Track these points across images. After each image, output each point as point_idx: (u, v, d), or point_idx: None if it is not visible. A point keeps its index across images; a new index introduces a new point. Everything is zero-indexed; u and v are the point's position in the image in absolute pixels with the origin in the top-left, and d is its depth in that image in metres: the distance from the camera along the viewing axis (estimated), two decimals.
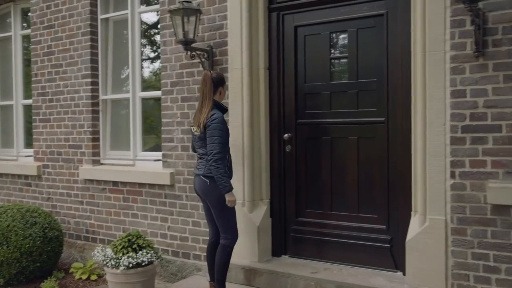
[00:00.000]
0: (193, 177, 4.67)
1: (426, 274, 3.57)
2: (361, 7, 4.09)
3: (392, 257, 3.99)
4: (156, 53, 5.52)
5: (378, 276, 3.90)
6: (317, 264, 4.25)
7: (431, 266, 3.55)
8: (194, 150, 4.00)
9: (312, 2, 4.29)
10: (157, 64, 5.47)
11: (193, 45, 4.36)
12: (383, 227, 4.05)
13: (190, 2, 4.24)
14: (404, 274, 3.84)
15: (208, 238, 4.04)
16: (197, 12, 4.25)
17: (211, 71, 3.87)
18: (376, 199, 4.09)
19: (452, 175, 3.51)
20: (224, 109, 3.81)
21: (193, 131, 3.82)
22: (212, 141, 3.59)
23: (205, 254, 4.65)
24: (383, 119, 4.01)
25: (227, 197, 3.65)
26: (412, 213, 3.74)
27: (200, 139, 3.73)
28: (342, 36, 4.28)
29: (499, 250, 3.36)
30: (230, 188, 3.64)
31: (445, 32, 3.49)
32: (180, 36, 4.21)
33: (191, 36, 4.24)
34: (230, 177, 3.71)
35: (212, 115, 3.63)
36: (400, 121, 3.88)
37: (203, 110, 3.70)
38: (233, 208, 3.76)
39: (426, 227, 3.58)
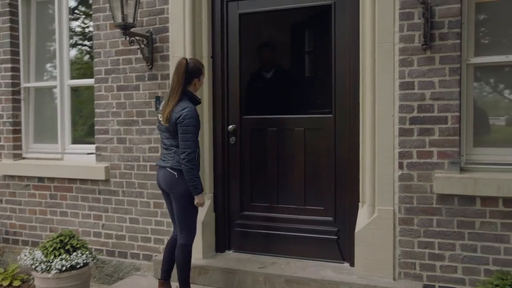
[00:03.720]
0: (130, 171, 4.42)
1: (374, 264, 3.61)
2: None
3: (339, 248, 3.99)
4: (81, 39, 5.12)
5: (326, 268, 3.87)
6: (264, 259, 4.15)
7: (379, 256, 3.59)
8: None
9: None
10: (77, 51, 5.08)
11: (133, 30, 4.07)
12: (330, 219, 4.03)
13: None
14: (351, 265, 3.85)
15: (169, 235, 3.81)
16: None
17: (188, 59, 3.52)
18: (323, 191, 4.06)
19: (400, 166, 3.56)
20: (196, 101, 3.53)
21: (159, 119, 3.51)
22: (186, 139, 3.34)
23: (144, 252, 4.43)
24: (330, 110, 3.99)
25: (197, 199, 3.46)
26: (360, 204, 3.75)
27: (167, 131, 3.45)
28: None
29: (444, 238, 3.47)
30: (201, 190, 3.45)
31: (394, 24, 3.52)
32: (119, 20, 3.90)
33: (130, 20, 3.94)
34: (198, 170, 3.47)
35: (183, 109, 3.34)
36: (348, 112, 3.87)
37: (169, 102, 3.40)
38: (196, 207, 3.55)
39: (374, 218, 3.60)
